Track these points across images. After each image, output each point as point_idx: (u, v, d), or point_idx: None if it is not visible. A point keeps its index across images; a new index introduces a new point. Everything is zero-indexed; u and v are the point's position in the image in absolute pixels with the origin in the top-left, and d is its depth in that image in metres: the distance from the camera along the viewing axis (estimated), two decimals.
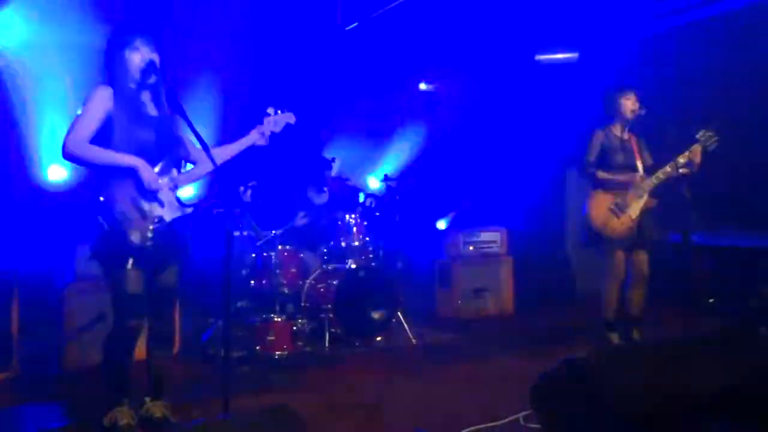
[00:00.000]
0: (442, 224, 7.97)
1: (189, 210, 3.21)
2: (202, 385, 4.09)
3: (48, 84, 5.67)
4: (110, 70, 3.08)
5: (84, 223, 3.08)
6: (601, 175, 4.73)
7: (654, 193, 4.70)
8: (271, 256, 5.04)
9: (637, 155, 4.80)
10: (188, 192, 5.49)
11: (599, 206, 4.75)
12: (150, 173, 3.01)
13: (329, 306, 5.02)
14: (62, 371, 4.40)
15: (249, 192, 5.18)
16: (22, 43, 5.60)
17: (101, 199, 2.98)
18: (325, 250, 5.50)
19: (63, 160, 3.02)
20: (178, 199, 3.19)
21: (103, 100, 3.01)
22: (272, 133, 3.43)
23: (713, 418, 2.06)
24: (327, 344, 4.94)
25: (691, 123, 4.64)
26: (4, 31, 5.54)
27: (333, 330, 5.02)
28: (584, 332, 5.26)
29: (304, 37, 6.79)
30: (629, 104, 4.75)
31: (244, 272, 5.14)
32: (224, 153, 3.34)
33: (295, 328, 4.86)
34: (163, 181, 3.10)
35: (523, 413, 3.31)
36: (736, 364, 2.26)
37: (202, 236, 4.60)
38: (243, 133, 3.44)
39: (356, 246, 5.37)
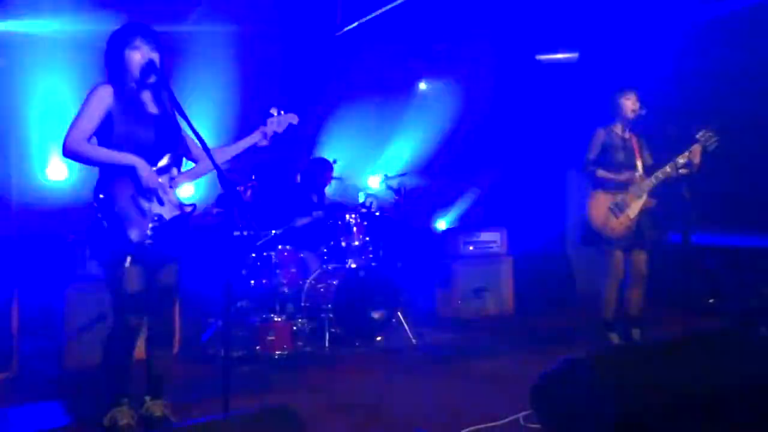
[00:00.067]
0: (442, 224, 7.96)
1: (189, 209, 3.22)
2: (202, 385, 4.09)
3: (48, 82, 5.67)
4: (111, 68, 3.09)
5: (84, 221, 3.08)
6: (601, 173, 4.73)
7: (653, 193, 4.71)
8: (271, 256, 5.04)
9: (637, 155, 4.80)
10: (188, 191, 5.49)
11: (599, 206, 4.76)
12: (148, 172, 3.02)
13: (329, 306, 5.02)
14: (62, 371, 4.40)
15: (249, 192, 5.18)
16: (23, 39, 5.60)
17: (101, 197, 2.98)
18: (325, 250, 5.50)
19: (63, 157, 3.03)
20: (178, 198, 3.19)
21: (103, 99, 3.01)
22: (274, 133, 3.43)
23: (713, 418, 2.06)
24: (327, 344, 4.94)
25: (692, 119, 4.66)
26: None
27: (333, 330, 5.02)
28: (584, 332, 5.26)
29: (305, 37, 6.79)
30: (629, 104, 4.76)
31: (244, 272, 5.14)
32: (225, 153, 3.35)
33: (295, 328, 4.86)
34: (163, 179, 3.11)
35: (523, 413, 3.31)
36: (736, 364, 2.26)
37: (202, 236, 4.61)
38: (242, 133, 3.44)
39: (356, 246, 5.38)
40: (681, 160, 4.55)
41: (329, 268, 5.33)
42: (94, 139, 3.03)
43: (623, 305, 4.85)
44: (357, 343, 5.11)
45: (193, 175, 3.37)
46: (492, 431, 3.26)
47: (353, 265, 5.24)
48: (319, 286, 5.23)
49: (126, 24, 3.13)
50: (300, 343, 4.89)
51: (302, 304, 5.21)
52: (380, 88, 7.62)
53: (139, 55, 3.05)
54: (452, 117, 7.99)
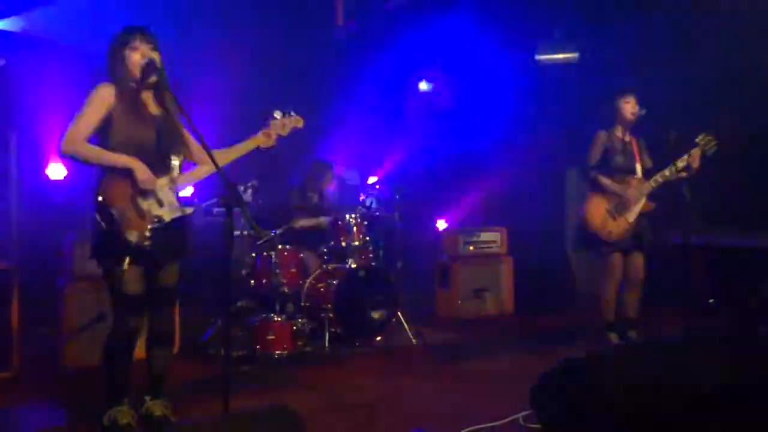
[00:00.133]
0: (442, 224, 7.96)
1: (189, 210, 3.20)
2: (202, 385, 4.10)
3: (48, 82, 5.68)
4: (112, 69, 3.08)
5: (84, 221, 3.08)
6: (603, 180, 4.76)
7: (651, 196, 4.73)
8: (271, 256, 5.04)
9: (637, 158, 4.83)
10: (188, 191, 5.48)
11: (597, 208, 4.78)
12: (146, 174, 3.01)
13: (329, 306, 5.02)
14: (62, 371, 4.41)
15: (249, 192, 5.18)
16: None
17: (99, 198, 2.97)
18: (325, 250, 5.50)
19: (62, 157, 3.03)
20: (178, 199, 3.18)
21: (104, 99, 3.01)
22: (279, 136, 3.41)
23: (713, 418, 2.06)
24: (327, 344, 4.93)
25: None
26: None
27: (333, 330, 5.01)
28: (584, 332, 5.26)
29: (305, 37, 6.79)
30: (629, 107, 4.78)
31: (244, 272, 5.14)
32: (228, 154, 3.30)
33: (295, 327, 4.86)
34: (163, 181, 3.10)
35: (523, 413, 3.31)
36: (736, 364, 2.27)
37: (202, 236, 4.60)
38: (242, 133, 3.42)
39: (356, 246, 5.37)
40: (680, 164, 4.57)
41: (329, 268, 5.33)
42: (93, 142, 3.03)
43: (620, 307, 4.86)
44: (357, 343, 5.11)
45: (194, 177, 3.35)
46: (492, 431, 3.26)
47: (353, 265, 5.24)
48: (319, 286, 5.23)
49: (126, 26, 3.12)
50: (300, 343, 4.88)
51: (302, 304, 5.21)
52: (380, 88, 7.62)
53: (138, 55, 3.04)
54: (452, 117, 7.99)
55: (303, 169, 6.17)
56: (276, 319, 4.77)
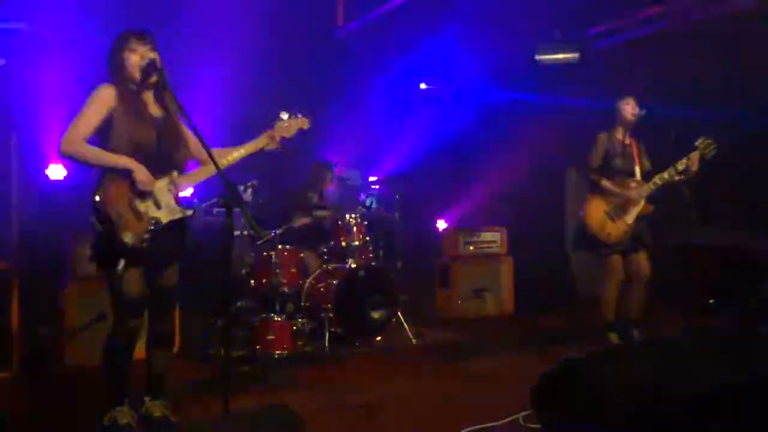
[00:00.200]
0: (442, 224, 7.96)
1: (189, 212, 3.17)
2: (202, 385, 4.10)
3: (49, 82, 5.68)
4: (112, 72, 3.08)
5: (84, 221, 3.07)
6: (604, 184, 4.76)
7: (651, 198, 4.74)
8: (271, 255, 5.04)
9: (636, 160, 4.85)
10: (188, 191, 5.48)
11: (596, 210, 4.79)
12: (144, 175, 3.00)
13: (329, 306, 5.02)
14: (62, 371, 4.40)
15: (249, 191, 5.18)
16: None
17: (97, 199, 2.96)
18: (325, 250, 5.50)
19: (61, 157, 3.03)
20: (178, 201, 3.16)
21: (104, 100, 3.00)
22: (283, 138, 3.38)
23: (713, 418, 2.06)
24: (327, 344, 4.94)
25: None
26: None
27: (333, 330, 5.02)
28: (584, 332, 5.26)
29: (305, 37, 6.79)
30: (629, 108, 4.80)
31: (244, 272, 5.14)
32: (230, 156, 3.25)
33: (295, 327, 4.86)
34: (161, 182, 3.08)
35: (523, 413, 3.31)
36: (736, 364, 2.27)
37: (202, 236, 4.60)
38: (242, 133, 3.41)
39: (356, 246, 5.37)
40: (680, 167, 4.59)
41: (329, 268, 5.33)
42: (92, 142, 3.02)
43: (623, 306, 4.86)
44: (357, 343, 5.11)
45: (195, 179, 3.28)
46: (492, 431, 3.26)
47: (353, 265, 5.24)
48: (319, 285, 5.23)
49: (125, 28, 3.11)
50: (300, 343, 4.89)
51: (302, 304, 5.21)
52: (380, 88, 7.62)
53: (137, 57, 3.04)
54: (452, 117, 7.99)
55: (303, 170, 6.17)
56: (276, 319, 4.77)
